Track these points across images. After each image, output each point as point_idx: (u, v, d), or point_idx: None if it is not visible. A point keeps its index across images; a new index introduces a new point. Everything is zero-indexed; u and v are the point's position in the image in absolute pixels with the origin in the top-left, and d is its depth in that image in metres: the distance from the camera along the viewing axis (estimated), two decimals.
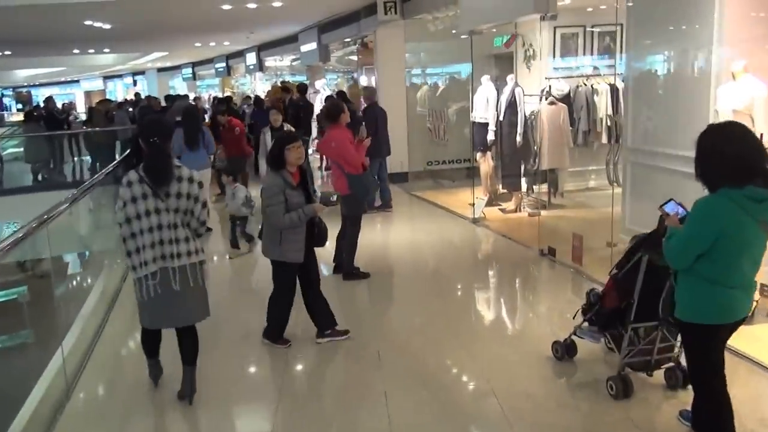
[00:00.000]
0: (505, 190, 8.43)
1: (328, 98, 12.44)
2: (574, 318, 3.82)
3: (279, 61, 18.16)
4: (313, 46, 13.84)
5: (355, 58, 15.17)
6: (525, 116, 7.82)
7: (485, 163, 8.37)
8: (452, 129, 8.79)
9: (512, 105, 7.82)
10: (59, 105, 17.60)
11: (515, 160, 7.95)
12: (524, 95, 7.83)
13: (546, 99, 7.79)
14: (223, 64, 22.45)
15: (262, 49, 18.25)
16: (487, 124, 8.13)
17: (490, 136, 8.10)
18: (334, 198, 4.52)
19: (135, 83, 32.09)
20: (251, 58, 19.17)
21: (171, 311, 3.47)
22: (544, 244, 6.13)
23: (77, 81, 35.92)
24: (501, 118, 7.93)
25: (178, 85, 29.29)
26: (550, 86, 7.95)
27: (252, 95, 15.73)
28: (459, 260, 6.51)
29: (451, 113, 8.77)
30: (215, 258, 6.88)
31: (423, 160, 9.73)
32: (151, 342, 3.78)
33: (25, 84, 34.94)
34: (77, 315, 4.72)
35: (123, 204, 3.35)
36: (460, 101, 9.81)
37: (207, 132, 7.76)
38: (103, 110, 12.84)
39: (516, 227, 7.24)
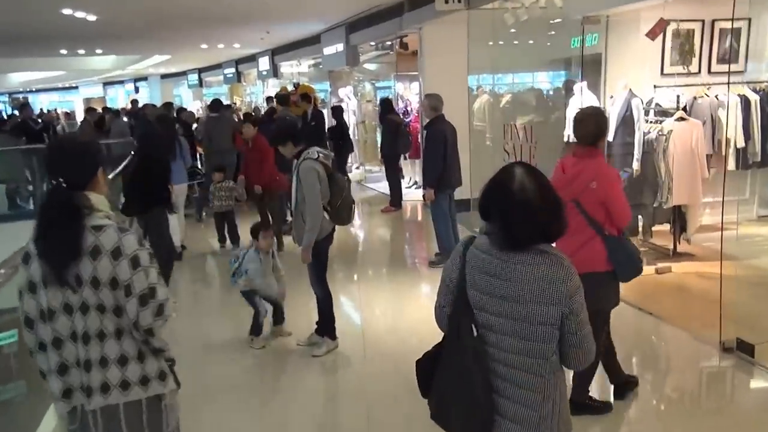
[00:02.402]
0: None
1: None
2: None
3: (296, 66, 16.21)
4: (339, 47, 11.89)
5: (373, 66, 13.28)
6: (644, 136, 5.82)
7: None
8: (541, 150, 6.74)
9: (627, 121, 5.81)
10: (58, 113, 15.73)
11: (630, 194, 5.91)
12: (642, 108, 5.84)
13: (653, 111, 5.86)
14: (233, 70, 20.58)
15: (276, 52, 16.36)
16: None
17: None
18: None
19: (137, 90, 30.21)
20: (264, 63, 17.28)
21: None
22: (723, 332, 4.03)
23: (76, 87, 34.10)
24: (611, 138, 5.91)
25: (184, 93, 27.53)
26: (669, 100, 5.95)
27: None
28: None
29: (536, 130, 6.74)
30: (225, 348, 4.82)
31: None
32: None
33: (21, 89, 33.12)
34: None
35: (20, 293, 1.98)
36: (538, 114, 7.83)
37: (183, 141, 7.18)
38: (92, 120, 10.81)
39: (647, 292, 5.17)
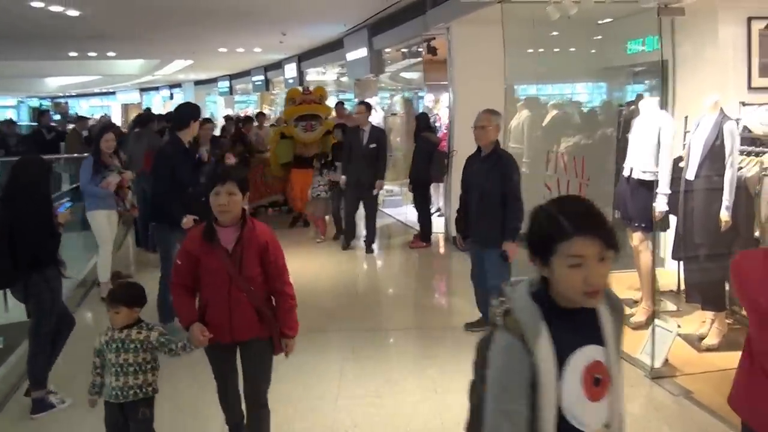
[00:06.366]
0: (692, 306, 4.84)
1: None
2: None
3: (322, 74, 15.02)
4: (362, 53, 10.57)
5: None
6: (737, 173, 4.23)
7: (647, 252, 4.79)
8: (592, 188, 5.16)
9: (717, 153, 4.24)
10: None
11: (717, 252, 4.33)
12: (738, 135, 4.25)
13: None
14: (261, 77, 19.57)
15: (302, 58, 15.22)
16: (653, 183, 4.60)
17: (661, 206, 4.55)
18: None
19: (172, 96, 29.74)
20: (291, 70, 16.15)
21: None
22: None
23: (113, 93, 33.98)
24: (692, 175, 4.35)
25: (216, 100, 26.90)
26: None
27: None
28: None
29: (588, 161, 5.18)
30: None
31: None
32: None
33: (61, 94, 33.04)
34: None
35: None
36: (584, 137, 6.30)
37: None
38: (80, 130, 9.71)
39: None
